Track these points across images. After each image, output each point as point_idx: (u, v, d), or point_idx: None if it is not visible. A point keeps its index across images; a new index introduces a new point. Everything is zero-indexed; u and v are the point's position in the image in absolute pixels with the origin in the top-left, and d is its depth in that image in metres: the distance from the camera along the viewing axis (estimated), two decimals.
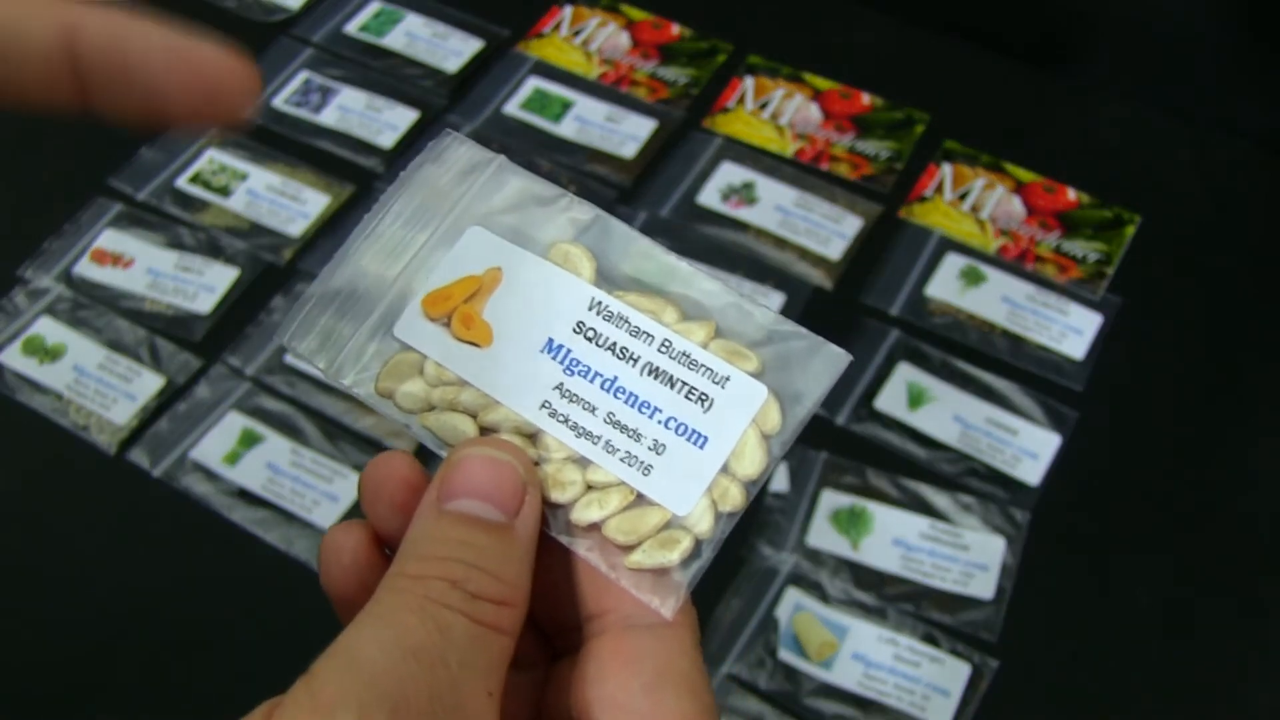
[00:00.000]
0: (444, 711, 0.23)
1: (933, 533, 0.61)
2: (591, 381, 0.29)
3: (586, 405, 0.29)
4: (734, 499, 0.28)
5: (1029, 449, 0.64)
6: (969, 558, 0.60)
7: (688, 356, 0.29)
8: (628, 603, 0.27)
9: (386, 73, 0.81)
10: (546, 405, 0.29)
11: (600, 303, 0.29)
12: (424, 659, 0.24)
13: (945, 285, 0.70)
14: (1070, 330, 0.68)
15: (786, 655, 0.57)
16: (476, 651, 0.25)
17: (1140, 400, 0.67)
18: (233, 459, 0.63)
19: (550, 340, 0.29)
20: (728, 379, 0.29)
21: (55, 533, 0.62)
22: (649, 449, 0.28)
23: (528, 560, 0.27)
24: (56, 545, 0.62)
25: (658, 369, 0.29)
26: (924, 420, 0.65)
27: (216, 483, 0.63)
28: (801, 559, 0.60)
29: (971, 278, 0.70)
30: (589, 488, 0.28)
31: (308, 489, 0.62)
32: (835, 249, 0.71)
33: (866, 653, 0.57)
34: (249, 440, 0.64)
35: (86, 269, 0.71)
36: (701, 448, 0.28)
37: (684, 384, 0.29)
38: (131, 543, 0.62)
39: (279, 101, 0.79)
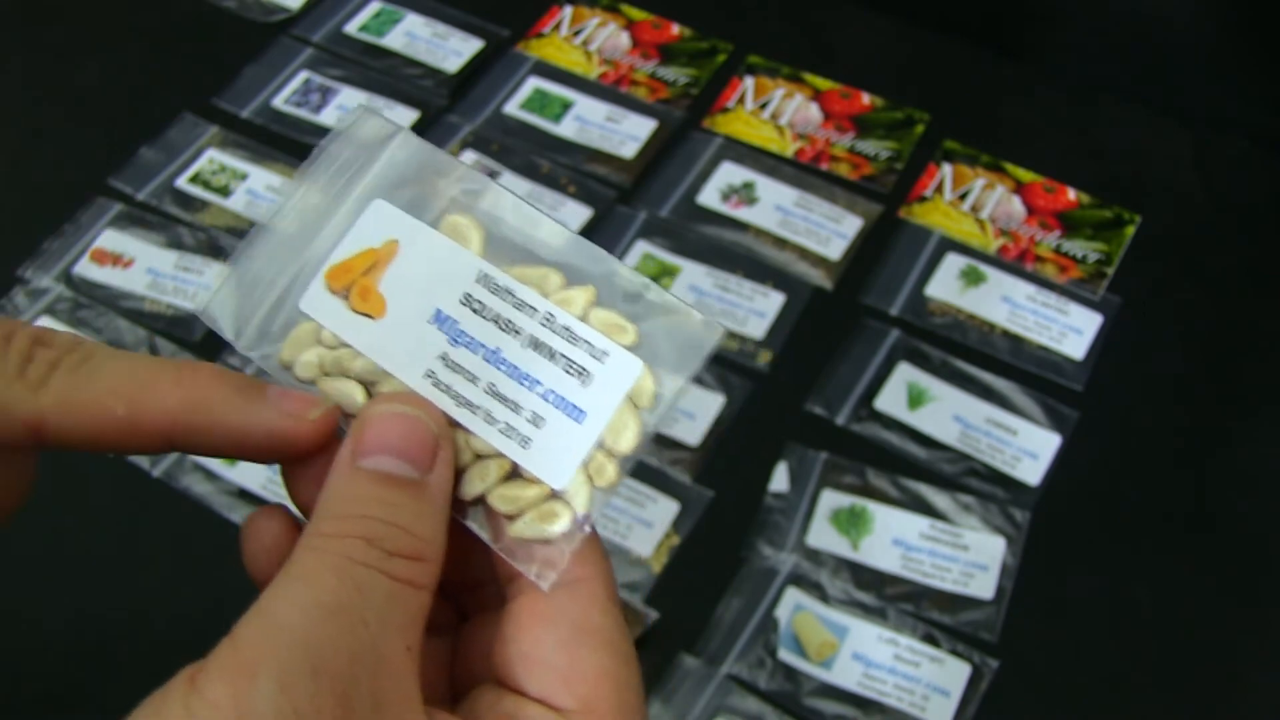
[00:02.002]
0: (364, 669, 0.24)
1: (933, 533, 0.61)
2: (474, 353, 0.29)
3: (469, 376, 0.29)
4: (609, 475, 0.28)
5: (1029, 449, 0.64)
6: (969, 558, 0.60)
7: (569, 330, 0.29)
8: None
9: (386, 73, 0.81)
10: (430, 375, 0.29)
11: (487, 275, 0.30)
12: (343, 618, 0.24)
13: (945, 285, 0.70)
14: (1070, 330, 0.68)
15: (786, 655, 0.57)
16: (394, 608, 0.25)
17: (1140, 400, 0.67)
18: (232, 459, 0.63)
19: (438, 311, 0.30)
20: (606, 353, 0.29)
21: (55, 533, 0.62)
22: (528, 421, 0.29)
23: (442, 516, 0.27)
24: (57, 545, 0.62)
25: (539, 342, 0.29)
26: (924, 420, 0.65)
27: (216, 483, 0.63)
28: (801, 559, 0.60)
29: (971, 278, 0.70)
30: (476, 457, 0.29)
31: None
32: (835, 249, 0.71)
33: (866, 653, 0.57)
34: None
35: (86, 269, 0.71)
36: (578, 422, 0.29)
37: (564, 357, 0.29)
38: (131, 543, 0.62)
39: (279, 101, 0.79)
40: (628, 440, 0.28)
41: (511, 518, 0.28)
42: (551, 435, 0.29)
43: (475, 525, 0.29)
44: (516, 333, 0.29)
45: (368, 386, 0.30)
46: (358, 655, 0.24)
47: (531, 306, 0.29)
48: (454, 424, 0.29)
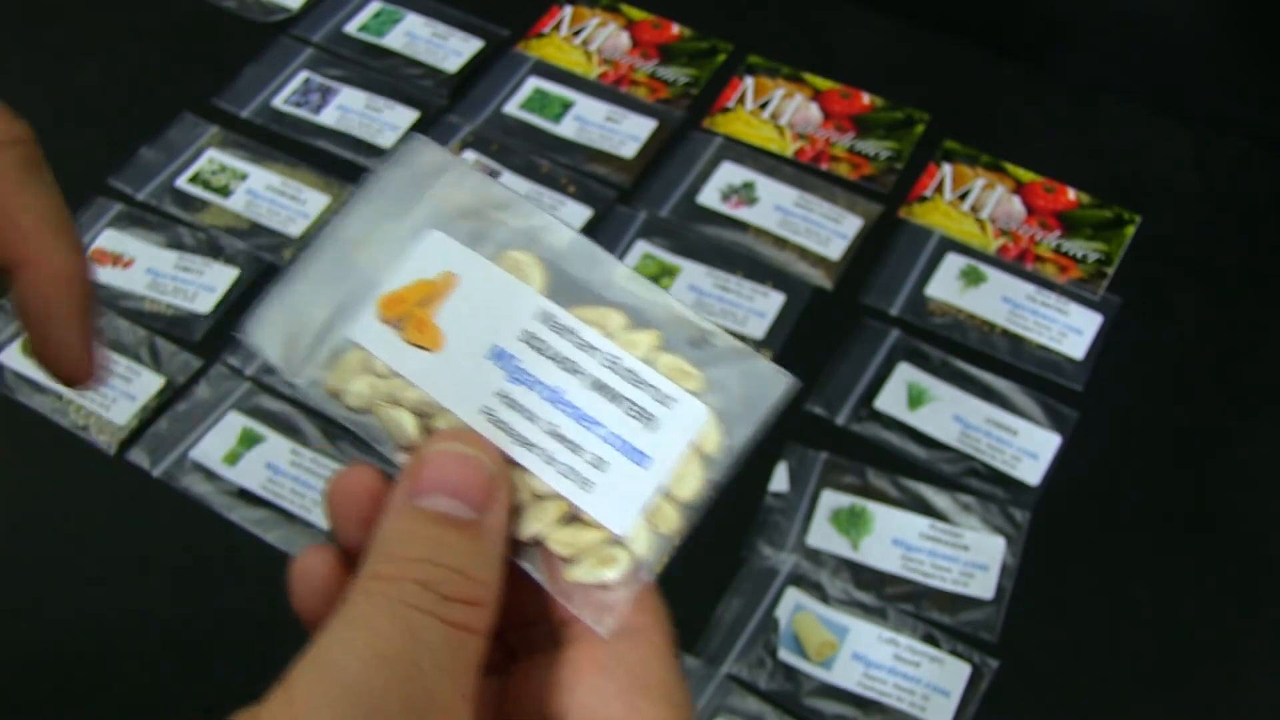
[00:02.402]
0: (420, 716, 0.23)
1: (933, 533, 0.61)
2: (534, 391, 0.29)
3: (528, 415, 0.29)
4: (671, 521, 0.28)
5: (1029, 449, 0.64)
6: (969, 558, 0.60)
7: (633, 373, 0.29)
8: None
9: (386, 73, 0.81)
10: (487, 411, 0.29)
11: (548, 313, 0.29)
12: (398, 666, 0.24)
13: (945, 285, 0.70)
14: (1070, 330, 0.68)
15: (786, 655, 0.57)
16: (450, 654, 0.25)
17: (1140, 400, 0.67)
18: (233, 459, 0.63)
19: (497, 347, 0.29)
20: (671, 399, 0.28)
21: (55, 533, 0.62)
22: (589, 463, 0.28)
23: (498, 558, 0.27)
24: (56, 545, 0.62)
25: (602, 384, 0.29)
26: (924, 420, 0.65)
27: (216, 483, 0.63)
28: (801, 559, 0.60)
29: (971, 278, 0.70)
30: (535, 497, 0.28)
31: (308, 489, 0.62)
32: (835, 249, 0.71)
33: (866, 653, 0.57)
34: (249, 440, 0.64)
35: None
36: (642, 467, 0.28)
37: (628, 401, 0.28)
38: (131, 543, 0.62)
39: (279, 101, 0.79)
40: (691, 488, 0.28)
41: (569, 561, 0.28)
42: (613, 479, 0.28)
43: (531, 567, 0.28)
44: (579, 373, 0.29)
45: (421, 419, 0.29)
46: (413, 704, 0.23)
47: (594, 347, 0.29)
48: (511, 463, 0.28)
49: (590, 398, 0.29)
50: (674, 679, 0.27)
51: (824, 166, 0.75)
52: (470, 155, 0.75)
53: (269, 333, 0.31)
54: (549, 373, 0.29)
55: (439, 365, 0.29)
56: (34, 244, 0.28)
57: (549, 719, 0.27)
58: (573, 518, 0.28)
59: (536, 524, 0.28)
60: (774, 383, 0.29)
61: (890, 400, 0.65)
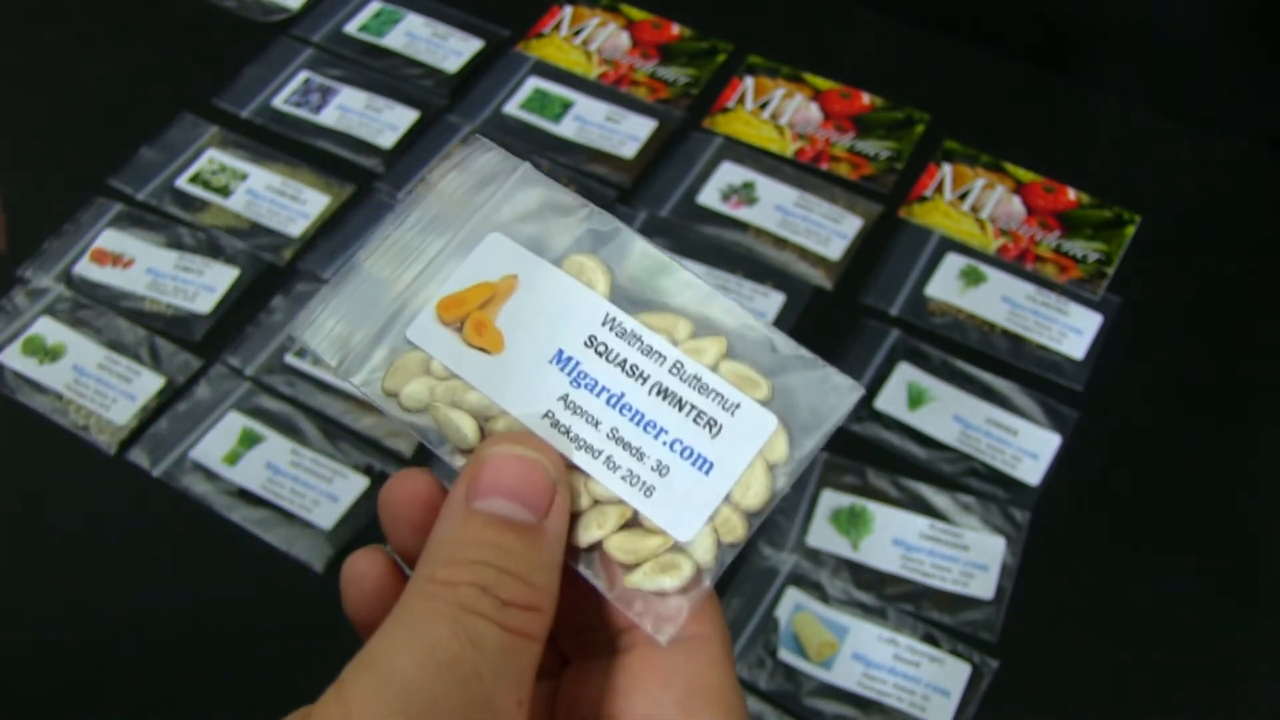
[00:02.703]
0: None
1: (933, 533, 0.61)
2: (597, 396, 0.29)
3: (590, 419, 0.28)
4: (736, 530, 0.28)
5: (1029, 449, 0.64)
6: (969, 558, 0.60)
7: (699, 380, 0.28)
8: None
9: (386, 73, 0.81)
10: (549, 416, 0.29)
11: (614, 319, 0.29)
12: (457, 672, 0.23)
13: (945, 285, 0.70)
14: (1070, 330, 0.68)
15: (786, 655, 0.57)
16: (507, 661, 0.24)
17: (1140, 400, 0.67)
18: (233, 459, 0.63)
19: (560, 352, 0.29)
20: (738, 406, 0.28)
21: (55, 533, 0.62)
22: (652, 469, 0.28)
23: (557, 563, 0.26)
24: (56, 545, 0.62)
25: (667, 390, 0.29)
26: (924, 420, 0.65)
27: (216, 483, 0.63)
28: (801, 559, 0.60)
29: (971, 278, 0.70)
30: (595, 502, 0.28)
31: (308, 489, 0.62)
32: (835, 249, 0.71)
33: (866, 653, 0.57)
34: (249, 440, 0.64)
35: (86, 269, 0.71)
36: (706, 474, 0.28)
37: (693, 407, 0.28)
38: (131, 543, 0.62)
39: (279, 101, 0.79)
40: (756, 496, 0.28)
41: (629, 567, 0.27)
42: (677, 485, 0.28)
43: (589, 573, 0.28)
44: (643, 379, 0.29)
45: (480, 422, 0.29)
46: (470, 711, 0.23)
47: (660, 353, 0.29)
48: (572, 467, 0.28)
49: (654, 404, 0.28)
50: (731, 690, 0.27)
51: (824, 166, 0.75)
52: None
53: (322, 331, 0.30)
54: (613, 378, 0.29)
55: (499, 368, 0.29)
56: None
57: None
58: (633, 524, 0.28)
59: (597, 530, 0.28)
60: (843, 394, 0.28)
61: (890, 400, 0.65)
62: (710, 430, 0.28)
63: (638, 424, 0.28)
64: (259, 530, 0.61)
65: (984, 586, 0.59)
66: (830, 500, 0.62)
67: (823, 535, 0.61)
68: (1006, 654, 0.57)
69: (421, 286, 0.30)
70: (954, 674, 0.57)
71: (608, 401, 0.29)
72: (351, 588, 0.29)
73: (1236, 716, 0.57)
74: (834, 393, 0.29)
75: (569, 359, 0.29)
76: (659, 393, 0.29)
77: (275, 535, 0.61)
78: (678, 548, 0.28)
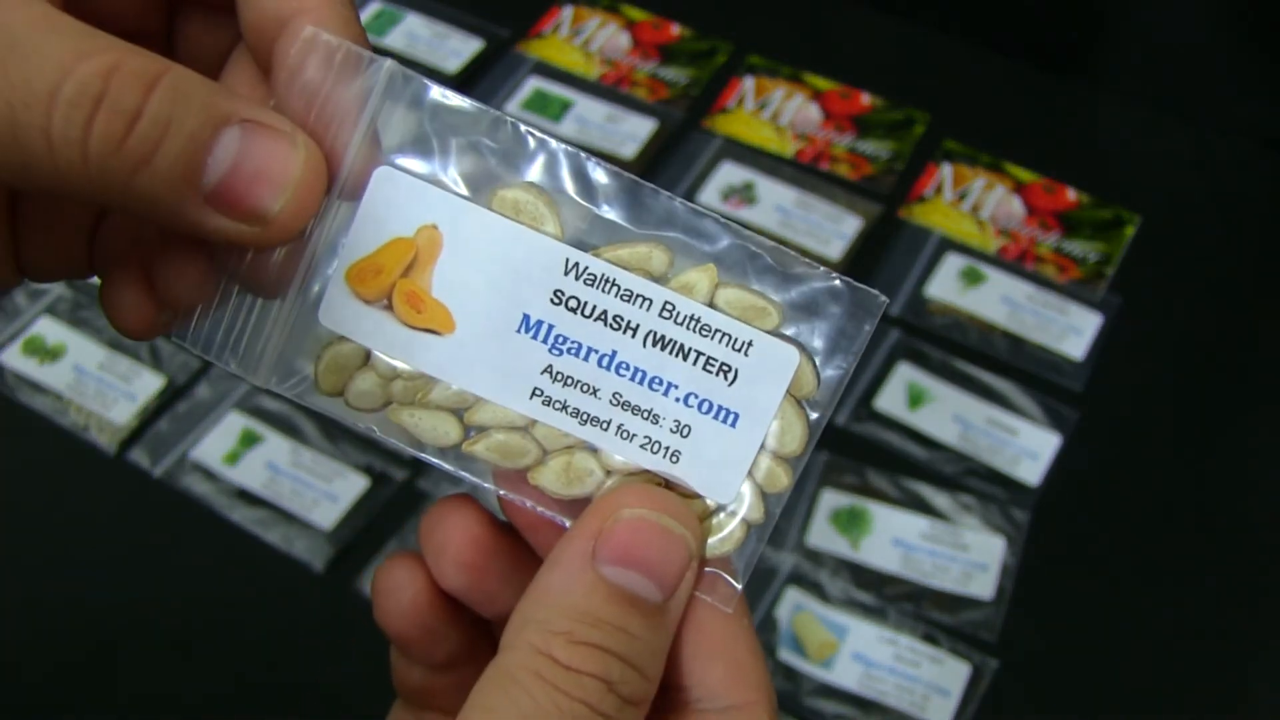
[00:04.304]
0: None
1: (933, 533, 0.61)
2: (586, 360, 0.25)
3: (586, 388, 0.25)
4: (779, 480, 0.25)
5: (1029, 449, 0.64)
6: (969, 558, 0.60)
7: (697, 320, 0.24)
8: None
9: None
10: (539, 394, 0.25)
11: (576, 264, 0.24)
12: None
13: (945, 285, 0.70)
14: (1070, 330, 0.68)
15: (786, 655, 0.57)
16: None
17: (1140, 400, 0.67)
18: (233, 459, 0.63)
19: (526, 317, 0.25)
20: (749, 344, 0.24)
21: (55, 533, 0.62)
22: (672, 431, 0.25)
23: (669, 644, 0.25)
24: (57, 545, 0.62)
25: (664, 338, 0.25)
26: (924, 420, 0.65)
27: (216, 483, 0.63)
28: (801, 559, 0.60)
29: (971, 278, 0.70)
30: (608, 474, 0.25)
31: (308, 489, 0.62)
32: (835, 249, 0.71)
33: (866, 653, 0.57)
34: (249, 440, 0.64)
35: None
36: (733, 426, 0.25)
37: (699, 354, 0.24)
38: (131, 543, 0.62)
39: None
40: (793, 440, 0.25)
41: None
42: (704, 444, 0.25)
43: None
44: (633, 331, 0.25)
45: (458, 415, 0.25)
46: None
47: (643, 296, 0.24)
48: (585, 446, 0.25)
49: (654, 357, 0.25)
50: None
51: (824, 167, 0.75)
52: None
53: (213, 333, 0.25)
54: (597, 336, 0.24)
55: (458, 350, 0.25)
56: None
57: None
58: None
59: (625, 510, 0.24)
60: (867, 304, 0.24)
61: (890, 400, 0.65)
62: (725, 377, 0.25)
63: (642, 383, 0.25)
64: (259, 530, 0.61)
65: (984, 586, 0.59)
66: (830, 500, 0.62)
67: (823, 535, 0.61)
68: (1006, 654, 0.57)
69: (315, 250, 0.24)
70: (954, 674, 0.57)
71: (600, 364, 0.25)
72: (387, 600, 0.27)
73: (1237, 716, 0.57)
74: (856, 304, 0.25)
75: (539, 323, 0.25)
76: (656, 343, 0.25)
77: (275, 535, 0.61)
78: (721, 510, 0.25)
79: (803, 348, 0.24)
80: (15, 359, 0.67)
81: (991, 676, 0.57)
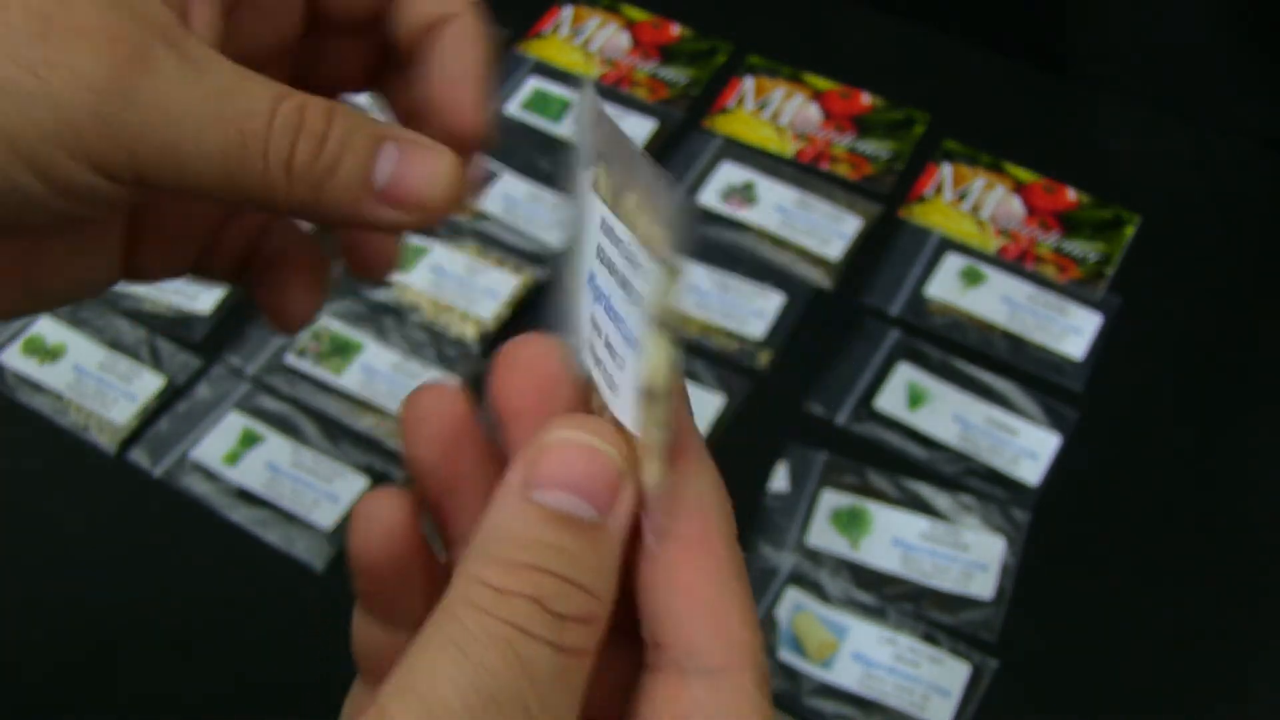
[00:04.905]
0: None
1: (933, 533, 0.61)
2: (600, 305, 0.26)
3: (600, 333, 0.26)
4: (660, 405, 0.24)
5: (1029, 449, 0.64)
6: (969, 558, 0.60)
7: (629, 249, 0.24)
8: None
9: None
10: (591, 348, 0.27)
11: (605, 221, 0.25)
12: (504, 704, 0.22)
13: (945, 285, 0.70)
14: (1070, 330, 0.68)
15: (786, 655, 0.57)
16: (560, 687, 0.23)
17: (1140, 400, 0.67)
18: (233, 459, 0.63)
19: (591, 275, 0.26)
20: (639, 262, 0.24)
21: (55, 533, 0.62)
22: (617, 366, 0.25)
23: (616, 566, 0.24)
24: (56, 545, 0.62)
25: (624, 278, 0.25)
26: (924, 420, 0.65)
27: (216, 483, 0.63)
28: (801, 559, 0.60)
29: (971, 278, 0.70)
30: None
31: (308, 489, 0.62)
32: (835, 249, 0.71)
33: (866, 653, 0.57)
34: (249, 440, 0.64)
35: None
36: (637, 352, 0.24)
37: (629, 283, 0.24)
38: (131, 543, 0.62)
39: None
40: (657, 368, 0.24)
41: None
42: (626, 374, 0.25)
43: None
44: (615, 271, 0.25)
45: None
46: None
47: (620, 238, 0.25)
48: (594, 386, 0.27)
49: (619, 292, 0.25)
50: None
51: (824, 167, 0.75)
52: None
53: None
54: (607, 281, 0.25)
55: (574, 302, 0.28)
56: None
57: None
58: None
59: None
60: (667, 195, 0.23)
61: (890, 400, 0.65)
62: (635, 301, 0.24)
63: (613, 320, 0.25)
64: (259, 530, 0.61)
65: (984, 586, 0.59)
66: (830, 500, 0.62)
67: (823, 535, 0.61)
68: (1006, 654, 0.57)
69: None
70: (954, 674, 0.57)
71: (605, 309, 0.26)
72: (361, 529, 0.27)
73: (1237, 716, 0.57)
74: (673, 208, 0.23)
75: (591, 276, 0.26)
76: (621, 282, 0.25)
77: (275, 535, 0.61)
78: (640, 442, 0.25)
79: (665, 262, 0.23)
80: (15, 359, 0.67)
81: (991, 676, 0.57)
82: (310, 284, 0.34)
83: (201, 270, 0.35)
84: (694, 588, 0.25)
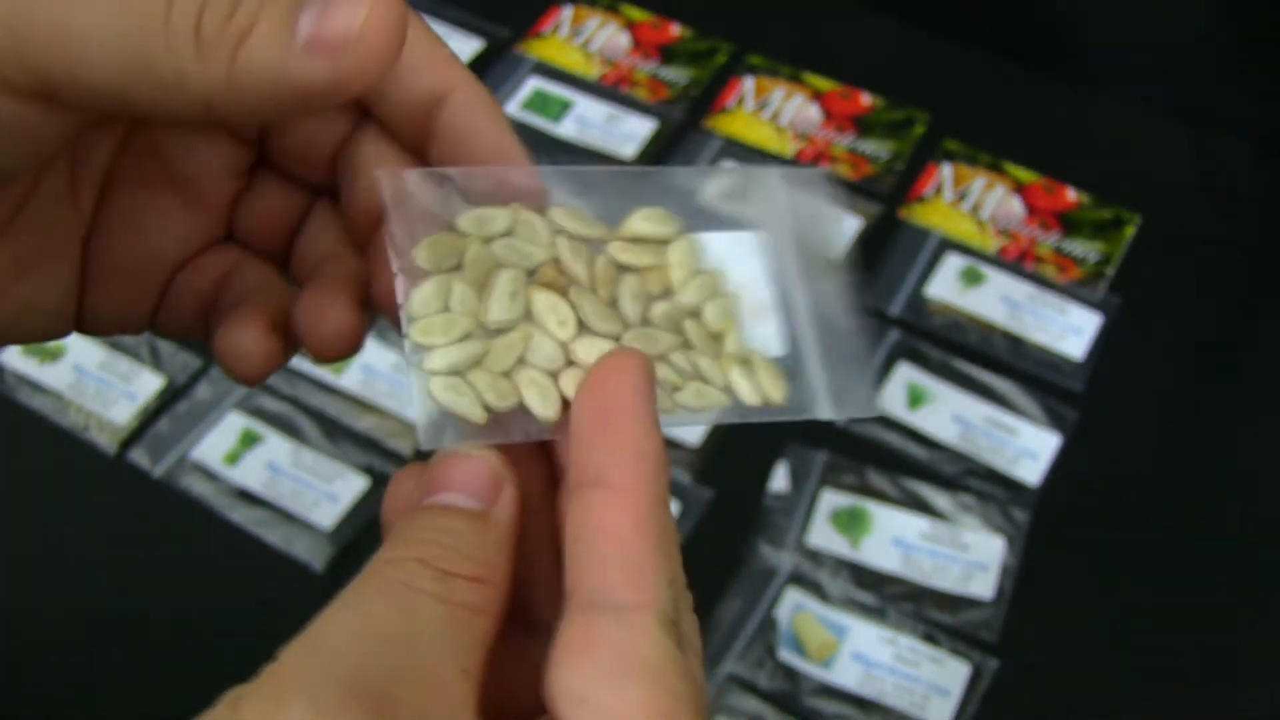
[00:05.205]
0: (407, 687, 0.23)
1: (933, 533, 0.61)
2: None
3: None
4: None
5: (1029, 449, 0.64)
6: (969, 558, 0.60)
7: None
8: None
9: None
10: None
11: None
12: (388, 638, 0.24)
13: (945, 285, 0.70)
14: (1070, 330, 0.68)
15: (786, 655, 0.57)
16: (447, 631, 0.24)
17: (1140, 400, 0.67)
18: (233, 459, 0.63)
19: None
20: None
21: (55, 533, 0.62)
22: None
23: (505, 545, 0.27)
24: (56, 545, 0.62)
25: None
26: (924, 420, 0.65)
27: (216, 483, 0.63)
28: (801, 559, 0.60)
29: (971, 278, 0.70)
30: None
31: (308, 489, 0.62)
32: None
33: (866, 653, 0.57)
34: (249, 440, 0.64)
35: None
36: None
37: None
38: (131, 543, 0.62)
39: None
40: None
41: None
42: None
43: None
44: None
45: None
46: (400, 674, 0.23)
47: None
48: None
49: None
50: (669, 662, 0.25)
51: (824, 167, 0.75)
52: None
53: None
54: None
55: None
56: (458, 71, 0.30)
57: (545, 702, 0.26)
58: None
59: None
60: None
61: (890, 400, 0.65)
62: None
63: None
64: (259, 530, 0.61)
65: (984, 586, 0.59)
66: (830, 500, 0.62)
67: (823, 535, 0.61)
68: (1006, 654, 0.57)
69: None
70: (954, 674, 0.57)
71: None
72: (387, 503, 0.29)
73: (1237, 716, 0.57)
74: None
75: None
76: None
77: (275, 535, 0.61)
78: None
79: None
80: (15, 359, 0.67)
81: (991, 676, 0.57)
82: (269, 330, 0.31)
83: (163, 322, 0.33)
84: (609, 528, 0.26)
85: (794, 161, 0.75)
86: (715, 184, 0.31)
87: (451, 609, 0.25)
